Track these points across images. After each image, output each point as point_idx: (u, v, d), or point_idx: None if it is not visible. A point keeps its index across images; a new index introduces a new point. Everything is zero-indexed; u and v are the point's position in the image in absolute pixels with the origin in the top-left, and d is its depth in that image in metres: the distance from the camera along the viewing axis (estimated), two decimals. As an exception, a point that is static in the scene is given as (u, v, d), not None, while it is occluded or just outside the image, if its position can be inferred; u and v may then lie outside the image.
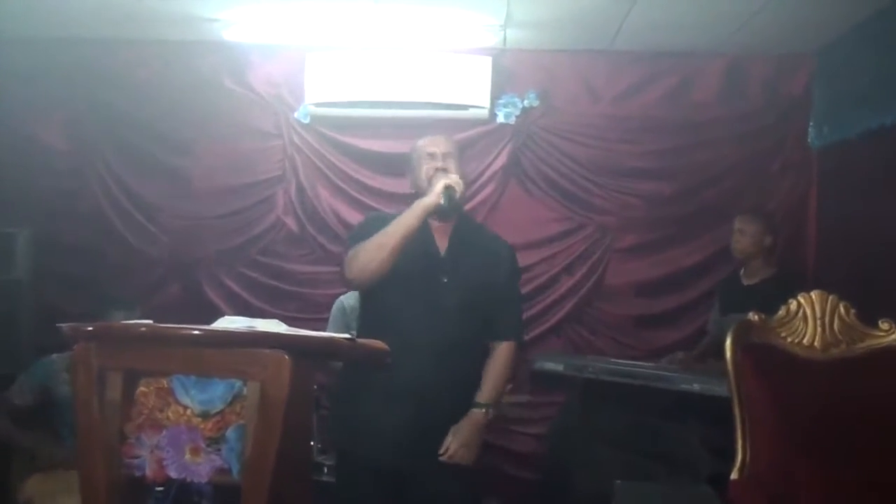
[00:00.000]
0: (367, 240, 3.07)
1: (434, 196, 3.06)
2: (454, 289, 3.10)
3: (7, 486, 4.03)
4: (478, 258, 3.19)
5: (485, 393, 3.19)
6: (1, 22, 4.76)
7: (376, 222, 3.16)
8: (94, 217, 5.22)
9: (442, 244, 3.17)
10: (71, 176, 5.23)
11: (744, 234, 4.58)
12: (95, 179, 5.23)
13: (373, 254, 3.04)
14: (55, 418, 4.04)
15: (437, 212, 3.08)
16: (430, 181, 3.14)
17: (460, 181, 3.13)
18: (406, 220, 3.06)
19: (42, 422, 4.10)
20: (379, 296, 3.11)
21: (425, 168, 3.18)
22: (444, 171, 3.15)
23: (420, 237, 3.10)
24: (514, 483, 5.04)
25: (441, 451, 3.10)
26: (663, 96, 5.16)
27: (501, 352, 3.23)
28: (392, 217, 3.15)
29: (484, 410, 3.18)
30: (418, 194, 3.17)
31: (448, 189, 3.06)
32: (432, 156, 3.20)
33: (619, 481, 3.56)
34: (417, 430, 3.02)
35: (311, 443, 3.79)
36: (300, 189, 5.23)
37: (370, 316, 3.19)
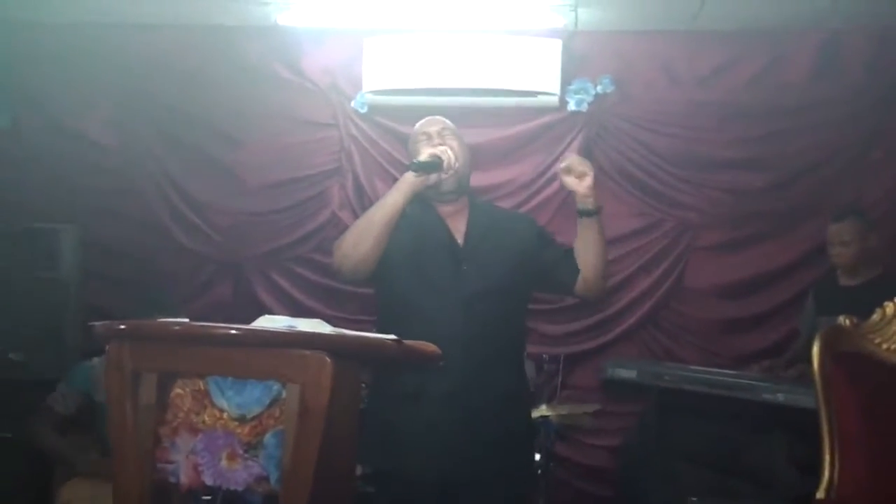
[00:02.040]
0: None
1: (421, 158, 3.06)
2: (477, 276, 3.05)
3: (50, 491, 4.15)
4: (499, 238, 3.14)
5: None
6: (42, 7, 4.91)
7: None
8: (141, 214, 5.35)
9: (458, 232, 3.13)
10: (118, 171, 5.37)
11: (848, 246, 4.44)
12: (143, 174, 5.37)
13: (356, 239, 3.04)
14: (98, 424, 4.15)
15: (414, 170, 3.04)
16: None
17: (450, 152, 3.09)
18: (389, 196, 3.07)
19: (85, 429, 4.22)
20: (394, 294, 3.09)
21: (421, 150, 3.14)
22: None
23: (431, 227, 3.10)
24: (583, 499, 5.03)
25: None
26: (751, 79, 5.08)
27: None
28: None
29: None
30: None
31: (431, 156, 3.06)
32: (428, 135, 3.19)
33: (693, 499, 3.52)
34: (458, 441, 2.98)
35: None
36: (357, 183, 5.29)
37: (387, 318, 3.12)
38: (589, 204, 3.10)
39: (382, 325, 3.06)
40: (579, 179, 3.08)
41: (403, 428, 3.01)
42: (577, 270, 3.16)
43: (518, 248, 3.16)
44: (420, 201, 3.11)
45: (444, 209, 3.17)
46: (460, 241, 3.12)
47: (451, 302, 3.02)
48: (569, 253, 3.21)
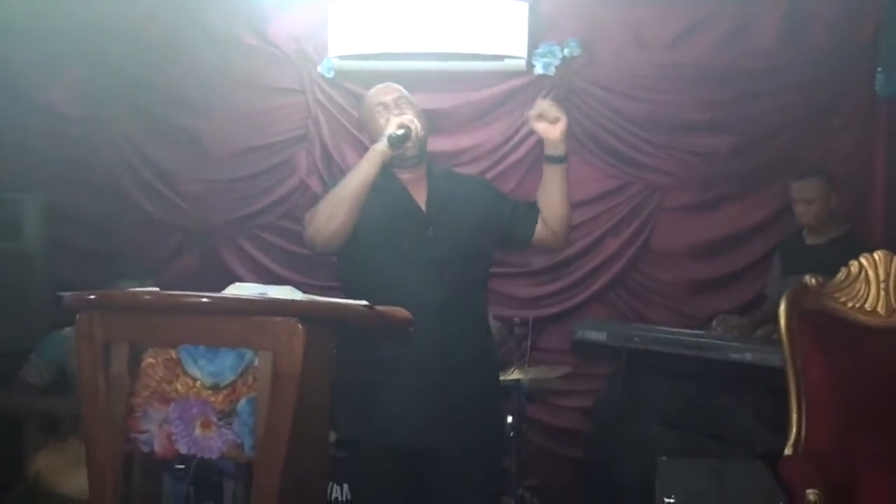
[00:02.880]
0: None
1: (391, 129, 3.04)
2: (443, 241, 3.06)
3: (20, 460, 4.14)
4: (461, 203, 3.15)
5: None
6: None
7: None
8: (107, 183, 5.30)
9: (420, 198, 3.13)
10: (84, 141, 5.31)
11: (811, 203, 4.50)
12: (109, 143, 5.31)
13: (330, 211, 3.00)
14: (73, 395, 4.12)
15: (391, 144, 3.02)
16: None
17: (416, 121, 3.09)
18: (360, 168, 3.03)
19: (59, 400, 4.20)
20: (361, 263, 3.07)
21: (381, 120, 3.13)
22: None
23: (394, 194, 3.09)
24: (553, 460, 5.08)
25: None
26: (717, 43, 5.08)
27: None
28: None
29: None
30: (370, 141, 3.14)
31: (401, 126, 3.05)
32: (385, 105, 3.17)
33: (663, 458, 3.57)
34: (432, 407, 2.99)
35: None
36: (324, 149, 5.26)
37: (354, 287, 3.07)
38: (560, 150, 3.12)
39: (350, 294, 3.00)
40: (552, 125, 3.09)
41: (378, 395, 3.01)
42: (534, 222, 3.19)
43: (479, 212, 3.17)
44: (384, 176, 3.08)
45: (405, 176, 3.16)
46: (423, 207, 3.12)
47: (420, 268, 3.02)
48: (526, 206, 3.24)
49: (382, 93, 3.22)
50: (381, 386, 3.01)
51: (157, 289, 2.36)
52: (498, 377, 3.37)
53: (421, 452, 3.04)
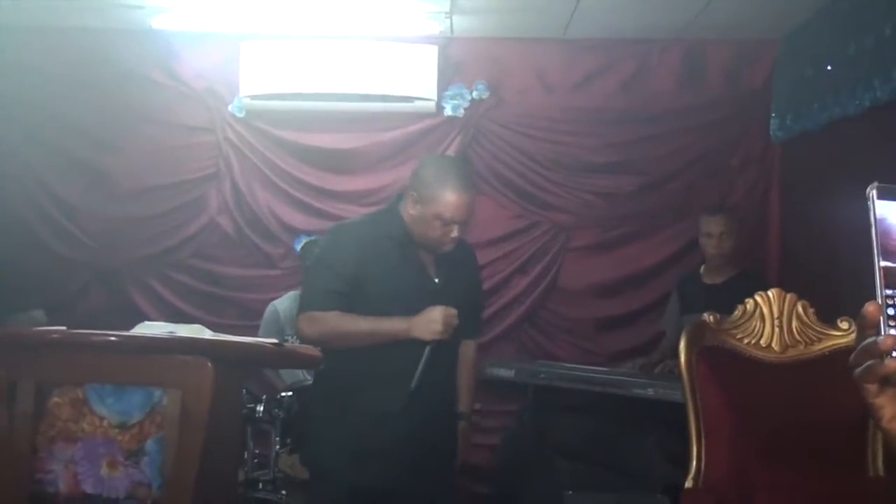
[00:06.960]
0: (338, 312, 2.94)
1: (430, 335, 3.01)
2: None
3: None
4: (460, 270, 3.26)
5: (465, 403, 3.34)
6: None
7: (346, 245, 3.09)
8: (11, 221, 5.20)
9: (430, 266, 3.18)
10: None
11: (723, 238, 4.52)
12: (12, 180, 5.22)
13: (340, 335, 2.96)
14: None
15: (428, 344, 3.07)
16: (439, 243, 3.09)
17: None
18: (383, 330, 3.02)
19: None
20: None
21: (436, 228, 3.05)
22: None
23: (415, 268, 3.13)
24: (464, 497, 5.09)
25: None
26: (619, 86, 5.24)
27: (470, 353, 3.37)
28: (360, 224, 3.19)
29: (469, 422, 3.34)
30: (409, 216, 3.11)
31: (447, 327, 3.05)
32: (453, 221, 3.06)
33: (569, 492, 3.63)
34: (411, 449, 3.08)
35: (245, 455, 3.82)
36: (235, 188, 5.26)
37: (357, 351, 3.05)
38: None
39: (346, 359, 3.01)
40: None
41: (372, 443, 3.05)
42: (473, 331, 3.36)
43: (472, 280, 3.36)
44: (403, 245, 3.12)
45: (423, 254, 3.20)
46: (434, 276, 3.17)
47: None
48: (481, 305, 3.45)
49: (458, 208, 3.05)
50: (380, 435, 3.04)
51: (64, 327, 2.33)
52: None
53: (389, 493, 3.10)
